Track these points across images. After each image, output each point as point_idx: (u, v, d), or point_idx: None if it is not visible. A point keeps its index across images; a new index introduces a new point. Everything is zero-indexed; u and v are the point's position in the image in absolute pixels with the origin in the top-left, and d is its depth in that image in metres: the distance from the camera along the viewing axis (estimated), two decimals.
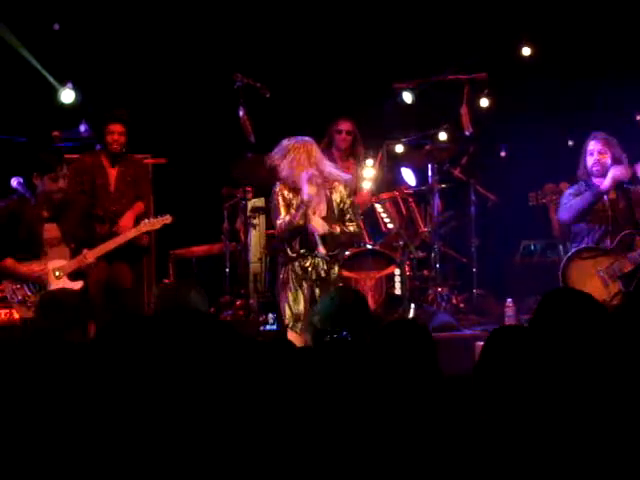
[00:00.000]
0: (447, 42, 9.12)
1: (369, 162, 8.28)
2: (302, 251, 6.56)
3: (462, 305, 8.34)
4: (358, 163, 8.26)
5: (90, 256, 6.72)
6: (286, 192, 6.59)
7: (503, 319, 7.54)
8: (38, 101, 8.41)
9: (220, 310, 8.11)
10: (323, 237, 6.58)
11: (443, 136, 8.61)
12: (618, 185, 7.11)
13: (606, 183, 7.01)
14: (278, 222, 6.58)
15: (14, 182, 6.85)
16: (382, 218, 7.98)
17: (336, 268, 6.67)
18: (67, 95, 8.20)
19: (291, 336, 6.39)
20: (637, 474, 2.74)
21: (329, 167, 6.69)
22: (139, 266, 7.65)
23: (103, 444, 2.79)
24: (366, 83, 9.10)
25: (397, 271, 7.55)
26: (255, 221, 8.28)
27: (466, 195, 8.55)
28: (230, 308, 8.16)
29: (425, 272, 8.39)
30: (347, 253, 7.18)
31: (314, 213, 6.54)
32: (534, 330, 3.27)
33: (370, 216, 8.02)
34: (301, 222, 6.50)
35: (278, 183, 6.64)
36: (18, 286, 6.59)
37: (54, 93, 8.22)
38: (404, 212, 8.16)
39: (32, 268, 6.60)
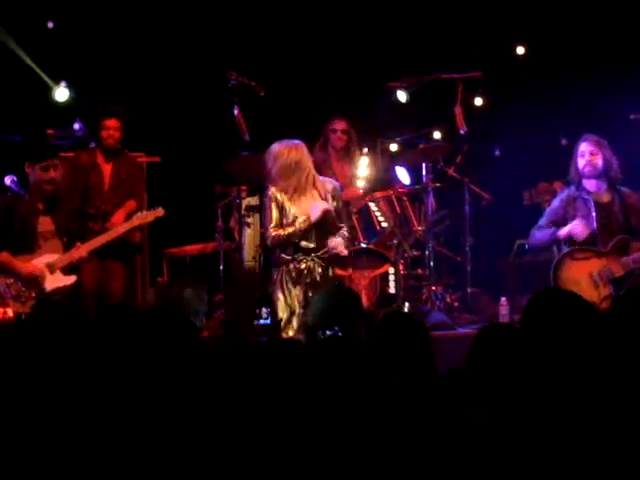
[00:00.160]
0: (441, 41, 9.12)
1: (365, 160, 8.29)
2: (296, 255, 6.61)
3: (456, 304, 8.31)
4: (353, 162, 8.28)
5: (83, 250, 6.71)
6: (279, 195, 6.63)
7: (497, 318, 7.54)
8: (32, 99, 8.39)
9: (213, 309, 8.09)
10: (321, 226, 6.60)
11: (437, 135, 8.62)
12: (614, 187, 7.15)
13: (563, 232, 7.06)
14: (272, 233, 6.62)
15: (8, 180, 6.83)
16: (376, 217, 7.98)
17: (330, 271, 6.70)
18: (61, 93, 8.20)
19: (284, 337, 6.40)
20: (625, 470, 2.76)
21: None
22: (132, 264, 7.65)
23: (88, 439, 2.79)
24: (360, 82, 9.10)
25: (391, 270, 7.56)
26: (249, 220, 8.26)
27: (460, 194, 8.53)
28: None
29: (419, 271, 8.38)
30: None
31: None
32: (523, 329, 3.29)
33: (364, 215, 8.03)
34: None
35: (271, 185, 6.68)
36: (12, 281, 6.52)
37: (48, 91, 8.22)
38: (398, 211, 8.15)
39: (26, 265, 6.58)
